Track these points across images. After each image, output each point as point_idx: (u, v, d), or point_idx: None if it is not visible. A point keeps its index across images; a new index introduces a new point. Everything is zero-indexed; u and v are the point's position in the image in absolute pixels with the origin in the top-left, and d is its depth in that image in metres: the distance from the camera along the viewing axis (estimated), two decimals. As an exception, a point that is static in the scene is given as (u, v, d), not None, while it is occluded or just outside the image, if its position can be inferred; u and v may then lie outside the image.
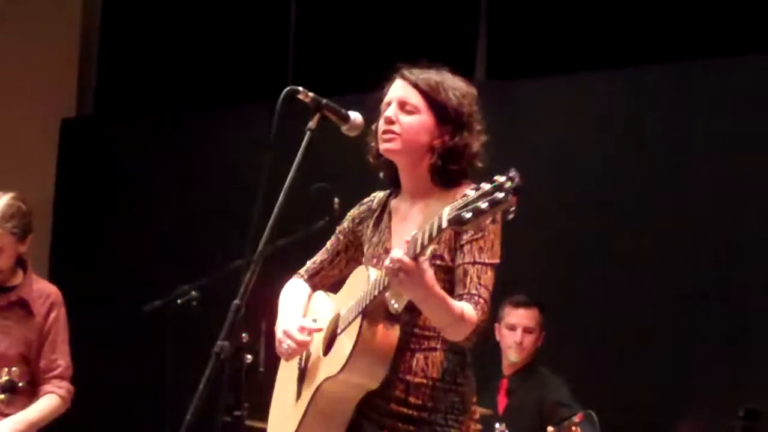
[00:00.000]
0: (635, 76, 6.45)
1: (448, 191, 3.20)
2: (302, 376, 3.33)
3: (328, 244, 3.51)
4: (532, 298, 5.78)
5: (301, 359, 3.35)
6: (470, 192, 2.71)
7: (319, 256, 3.52)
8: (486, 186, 2.69)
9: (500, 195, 2.65)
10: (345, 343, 3.10)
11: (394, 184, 3.38)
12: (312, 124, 3.15)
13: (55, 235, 7.96)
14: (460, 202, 2.72)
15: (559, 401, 5.58)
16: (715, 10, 6.37)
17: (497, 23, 7.11)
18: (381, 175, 3.40)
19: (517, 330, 5.72)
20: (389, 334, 3.09)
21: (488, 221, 2.78)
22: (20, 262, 4.91)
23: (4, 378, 4.30)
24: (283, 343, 3.26)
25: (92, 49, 8.47)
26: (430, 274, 2.92)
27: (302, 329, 3.26)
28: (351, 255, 3.46)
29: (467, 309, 3.04)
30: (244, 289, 2.92)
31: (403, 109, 3.24)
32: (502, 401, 5.71)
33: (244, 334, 4.96)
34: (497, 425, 5.29)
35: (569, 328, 6.14)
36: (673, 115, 6.27)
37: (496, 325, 5.75)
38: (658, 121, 6.30)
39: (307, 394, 3.21)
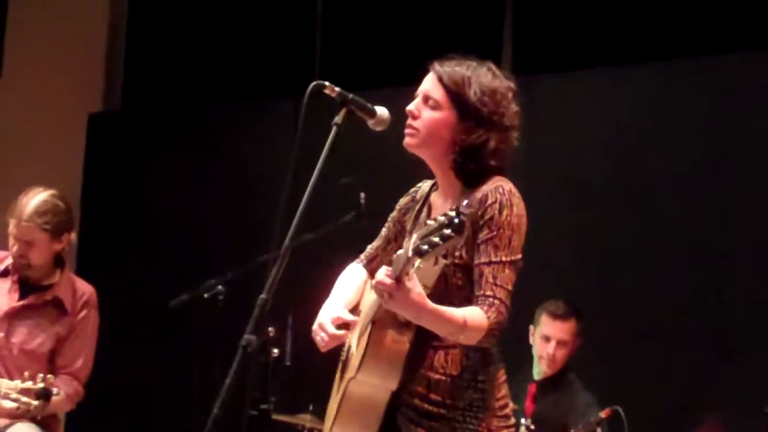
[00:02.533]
0: (663, 71, 6.41)
1: (472, 189, 3.17)
2: (344, 368, 3.34)
3: (383, 230, 3.50)
4: (571, 307, 5.64)
5: (343, 351, 3.36)
6: (431, 222, 2.75)
7: (376, 242, 3.51)
8: (441, 218, 2.72)
9: (447, 231, 2.70)
10: (361, 346, 3.12)
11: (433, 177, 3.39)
12: (338, 118, 3.15)
13: (83, 229, 7.97)
14: (424, 230, 2.75)
15: (582, 413, 5.53)
16: (746, 3, 6.34)
17: (523, 17, 7.09)
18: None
19: (551, 342, 5.61)
20: (398, 342, 3.10)
21: (446, 255, 2.84)
22: (58, 261, 4.93)
23: (40, 385, 4.31)
24: (317, 334, 3.26)
25: (119, 44, 8.49)
26: (417, 291, 2.90)
27: (337, 320, 3.26)
28: (400, 243, 3.39)
29: (474, 315, 3.01)
30: (271, 283, 2.93)
31: (427, 103, 3.23)
32: (529, 407, 5.65)
33: (270, 328, 4.97)
34: (523, 420, 5.28)
35: (596, 324, 6.13)
36: (701, 109, 6.24)
37: (531, 327, 5.68)
38: (686, 115, 6.27)
39: (341, 388, 3.22)
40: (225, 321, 4.32)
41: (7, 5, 8.34)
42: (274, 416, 5.26)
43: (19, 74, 8.28)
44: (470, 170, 3.20)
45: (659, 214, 6.22)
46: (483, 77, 3.23)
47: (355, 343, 3.27)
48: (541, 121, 6.27)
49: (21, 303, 4.83)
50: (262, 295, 2.88)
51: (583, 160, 6.42)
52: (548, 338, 5.62)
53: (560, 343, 5.62)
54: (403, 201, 3.46)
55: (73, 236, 4.94)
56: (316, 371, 5.84)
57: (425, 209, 3.34)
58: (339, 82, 3.20)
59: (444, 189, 3.29)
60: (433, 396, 3.14)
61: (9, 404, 4.43)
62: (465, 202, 2.77)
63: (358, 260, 3.53)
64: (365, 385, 3.12)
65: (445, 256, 2.82)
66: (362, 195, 4.98)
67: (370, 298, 3.28)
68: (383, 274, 2.88)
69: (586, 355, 5.81)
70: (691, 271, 6.09)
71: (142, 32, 8.42)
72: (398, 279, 2.86)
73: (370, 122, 3.27)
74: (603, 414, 5.21)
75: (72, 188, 7.92)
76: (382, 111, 3.26)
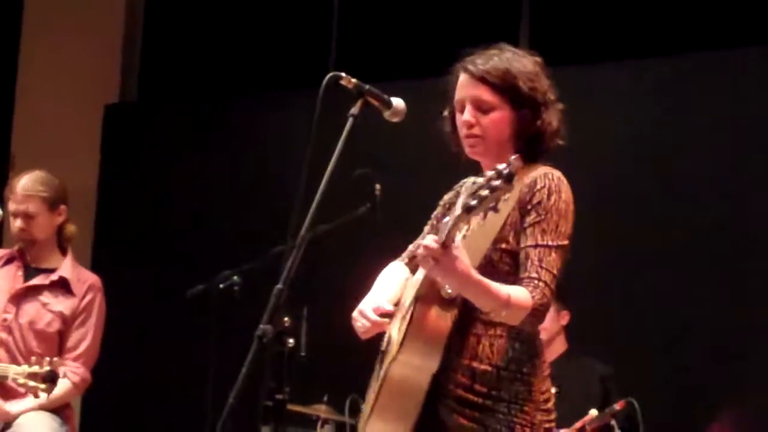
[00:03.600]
0: (682, 64, 6.40)
1: (527, 169, 3.14)
2: (383, 357, 3.30)
3: (425, 228, 3.47)
4: None
5: (383, 342, 3.32)
6: (479, 179, 2.74)
7: (417, 240, 3.47)
8: (489, 173, 2.72)
9: (496, 182, 2.68)
10: (402, 328, 3.08)
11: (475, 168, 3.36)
12: (355, 110, 3.14)
13: (99, 220, 8.02)
14: (473, 187, 2.74)
15: (612, 375, 5.57)
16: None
17: (540, 10, 7.08)
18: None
19: None
20: (442, 319, 3.06)
21: (496, 206, 2.74)
22: (60, 246, 5.00)
23: (46, 368, 4.36)
24: (357, 321, 3.25)
25: (136, 35, 8.50)
26: (463, 260, 2.88)
27: (378, 309, 3.24)
28: None
29: (519, 293, 2.99)
30: (287, 274, 2.93)
31: (480, 108, 3.20)
32: None
33: (286, 319, 4.97)
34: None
35: (614, 318, 6.13)
36: (718, 104, 6.22)
37: None
38: (703, 110, 6.25)
39: (381, 374, 3.17)
40: (241, 311, 4.33)
41: (24, -3, 8.38)
42: (289, 406, 5.27)
43: (36, 66, 8.31)
44: (537, 153, 3.22)
45: (680, 211, 6.21)
46: (520, 63, 3.24)
47: (395, 333, 3.24)
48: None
49: (27, 284, 4.91)
50: (278, 286, 2.89)
51: (603, 155, 6.40)
52: None
53: None
54: (446, 197, 3.44)
55: (71, 226, 5.01)
56: (330, 362, 5.91)
57: None
58: (355, 74, 3.20)
59: None
60: (477, 387, 3.11)
61: (16, 407, 4.54)
62: (514, 156, 2.73)
63: (399, 258, 3.51)
64: (406, 366, 3.06)
65: (494, 208, 2.74)
66: (377, 187, 4.98)
67: (411, 293, 3.26)
68: (430, 239, 2.86)
69: (601, 348, 5.83)
70: (710, 268, 6.08)
71: (158, 24, 8.44)
72: (445, 244, 2.84)
73: (387, 113, 3.26)
74: (617, 406, 5.23)
75: (88, 179, 7.95)
76: (398, 102, 3.25)
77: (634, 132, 6.40)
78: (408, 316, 3.06)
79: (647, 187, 6.30)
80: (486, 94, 3.19)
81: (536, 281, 3.02)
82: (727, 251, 6.07)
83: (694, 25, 6.50)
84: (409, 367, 3.08)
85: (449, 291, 3.06)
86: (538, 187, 3.11)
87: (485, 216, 2.80)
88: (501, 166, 2.69)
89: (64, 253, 5.03)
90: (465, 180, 3.41)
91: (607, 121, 6.44)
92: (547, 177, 3.14)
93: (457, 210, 2.76)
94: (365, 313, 3.24)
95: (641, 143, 6.37)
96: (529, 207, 3.09)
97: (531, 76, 3.23)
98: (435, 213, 3.46)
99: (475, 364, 3.11)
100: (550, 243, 3.07)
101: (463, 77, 3.24)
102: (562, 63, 6.73)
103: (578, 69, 6.67)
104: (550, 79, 3.29)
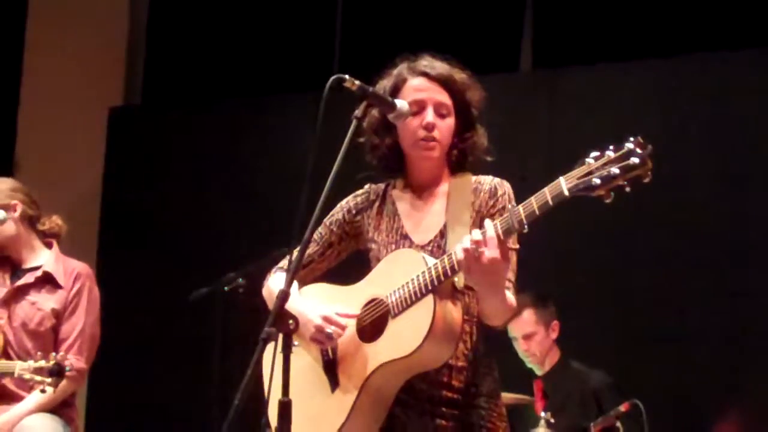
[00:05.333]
0: (682, 65, 6.40)
1: (458, 175, 3.30)
2: (331, 366, 3.28)
3: (315, 236, 3.44)
4: (521, 299, 5.65)
5: (325, 351, 3.29)
6: (590, 160, 2.72)
7: (308, 248, 3.39)
8: (611, 153, 2.70)
9: (635, 160, 2.67)
10: (413, 323, 3.05)
11: (391, 172, 3.40)
12: (358, 112, 3.15)
13: (103, 223, 8.03)
14: (579, 170, 2.73)
15: (606, 385, 5.56)
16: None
17: (543, 11, 7.08)
18: (375, 161, 3.39)
19: (518, 340, 5.68)
20: (456, 309, 3.09)
21: (614, 187, 2.72)
22: (45, 244, 5.01)
23: (52, 362, 4.36)
24: (326, 328, 3.21)
25: (140, 38, 8.51)
26: None
27: (340, 314, 3.25)
28: (343, 246, 3.45)
29: (509, 295, 3.10)
30: (291, 276, 2.93)
31: (438, 113, 3.28)
32: (539, 403, 5.66)
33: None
34: (543, 414, 5.28)
35: (615, 321, 6.12)
36: (721, 104, 6.22)
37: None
38: (705, 110, 6.25)
39: (355, 379, 3.16)
40: (245, 313, 4.33)
41: (28, 0, 8.38)
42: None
43: (41, 69, 8.31)
44: (466, 163, 3.32)
45: (681, 212, 6.20)
46: (461, 74, 3.33)
47: (348, 338, 3.22)
48: (562, 116, 6.27)
49: (15, 285, 4.89)
50: (282, 288, 2.89)
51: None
52: (515, 338, 5.66)
53: (527, 338, 5.67)
54: (352, 201, 3.45)
55: (51, 219, 5.04)
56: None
57: (388, 204, 3.37)
58: (358, 76, 3.21)
59: (422, 182, 3.34)
60: (456, 383, 3.15)
61: (18, 409, 4.54)
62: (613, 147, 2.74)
63: (279, 269, 3.48)
64: (403, 366, 3.07)
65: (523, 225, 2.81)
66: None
67: (328, 302, 3.28)
68: (489, 227, 2.87)
69: (604, 351, 5.82)
70: (712, 269, 6.08)
71: (162, 26, 8.44)
72: (504, 237, 2.87)
73: (390, 116, 3.28)
74: (623, 408, 5.23)
75: (93, 182, 7.96)
76: (401, 104, 3.27)
77: (637, 132, 6.38)
78: (429, 311, 3.03)
79: (650, 187, 6.28)
80: (447, 99, 3.28)
81: (509, 283, 3.12)
82: (726, 250, 6.07)
83: (699, 26, 6.50)
84: (403, 368, 3.08)
85: (458, 282, 3.09)
86: (500, 193, 3.23)
87: (606, 196, 2.76)
88: (631, 144, 2.68)
89: (50, 248, 5.02)
90: (366, 187, 3.46)
91: (609, 120, 6.44)
92: (504, 185, 3.26)
93: (564, 191, 2.75)
94: (333, 319, 3.23)
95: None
96: (493, 211, 3.18)
97: (472, 87, 3.31)
98: (333, 219, 3.45)
99: (452, 362, 3.14)
100: (512, 246, 3.13)
101: (420, 80, 3.31)
102: (565, 64, 6.79)
103: (582, 70, 6.69)
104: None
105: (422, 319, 3.03)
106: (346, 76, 3.16)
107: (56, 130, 8.08)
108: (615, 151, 2.69)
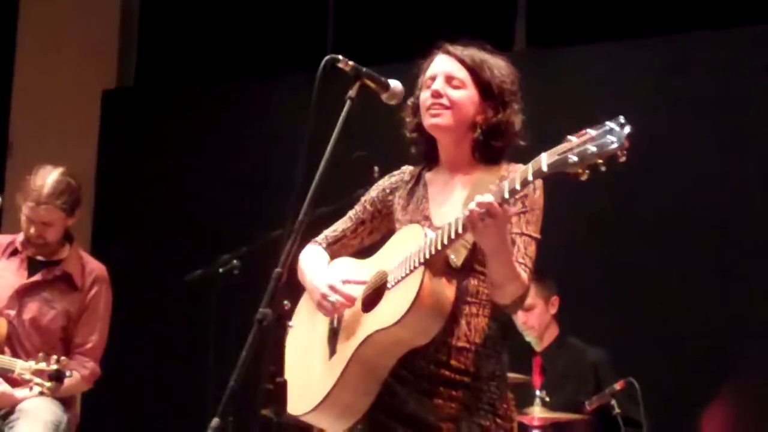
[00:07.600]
0: (677, 44, 6.39)
1: (490, 168, 3.25)
2: (334, 335, 3.30)
3: (351, 213, 3.50)
4: None
5: (332, 320, 3.33)
6: (572, 138, 2.73)
7: (341, 225, 3.51)
8: (591, 131, 2.71)
9: (612, 138, 2.67)
10: (401, 294, 3.06)
11: (428, 159, 3.40)
12: (352, 92, 3.15)
13: (97, 206, 8.02)
14: (560, 147, 2.74)
15: (605, 360, 5.58)
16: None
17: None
18: (413, 150, 3.40)
19: (517, 314, 5.69)
20: (449, 286, 3.08)
21: (589, 165, 2.71)
22: (66, 236, 4.98)
23: (53, 366, 4.36)
24: (329, 297, 3.23)
25: (133, 20, 8.49)
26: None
27: (347, 283, 3.26)
28: (375, 225, 3.47)
29: (521, 269, 3.07)
30: (286, 257, 2.93)
31: (450, 83, 3.25)
32: (537, 379, 5.66)
33: (285, 302, 4.98)
34: (537, 392, 5.30)
35: (616, 304, 6.13)
36: (715, 84, 6.21)
37: None
38: (699, 89, 6.24)
39: (347, 349, 3.18)
40: (240, 295, 4.33)
41: (20, -19, 8.36)
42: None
43: (34, 51, 8.30)
44: (493, 148, 3.26)
45: (681, 194, 6.20)
46: (496, 61, 3.31)
47: (353, 308, 3.24)
48: (557, 96, 6.25)
49: (31, 280, 4.87)
50: (277, 269, 2.89)
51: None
52: None
53: (526, 310, 5.67)
54: (387, 181, 3.47)
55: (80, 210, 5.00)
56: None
57: (420, 187, 3.37)
58: (352, 56, 3.20)
59: (453, 167, 3.32)
60: (454, 363, 3.13)
61: (21, 393, 4.53)
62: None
63: (314, 242, 3.51)
64: (393, 337, 3.07)
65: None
66: (376, 169, 4.97)
67: (350, 275, 3.30)
68: (490, 197, 2.87)
69: (600, 331, 5.84)
70: (713, 256, 6.09)
71: (155, 9, 8.43)
72: (505, 201, 2.88)
73: (384, 96, 3.28)
74: (617, 386, 5.24)
75: (86, 165, 7.94)
76: (395, 84, 3.27)
77: (633, 112, 6.37)
78: (416, 283, 3.03)
79: (648, 169, 6.28)
80: (460, 72, 3.26)
81: (524, 266, 3.09)
82: (721, 232, 6.07)
83: (696, 4, 6.49)
84: (395, 338, 3.08)
85: (455, 260, 3.09)
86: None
87: (577, 176, 2.76)
88: (611, 123, 2.70)
89: (69, 239, 5.00)
90: (405, 167, 3.46)
91: (605, 100, 6.43)
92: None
93: (543, 167, 2.76)
94: (337, 287, 3.24)
95: (641, 124, 6.33)
96: (516, 197, 3.11)
97: (504, 73, 3.29)
98: (368, 197, 3.48)
99: (452, 341, 3.13)
100: (533, 234, 3.16)
101: (440, 57, 3.32)
102: (559, 43, 6.78)
103: (577, 49, 6.68)
104: (520, 90, 3.31)
105: (409, 291, 3.04)
106: (340, 57, 3.16)
107: (50, 113, 8.07)
108: (595, 130, 2.70)
